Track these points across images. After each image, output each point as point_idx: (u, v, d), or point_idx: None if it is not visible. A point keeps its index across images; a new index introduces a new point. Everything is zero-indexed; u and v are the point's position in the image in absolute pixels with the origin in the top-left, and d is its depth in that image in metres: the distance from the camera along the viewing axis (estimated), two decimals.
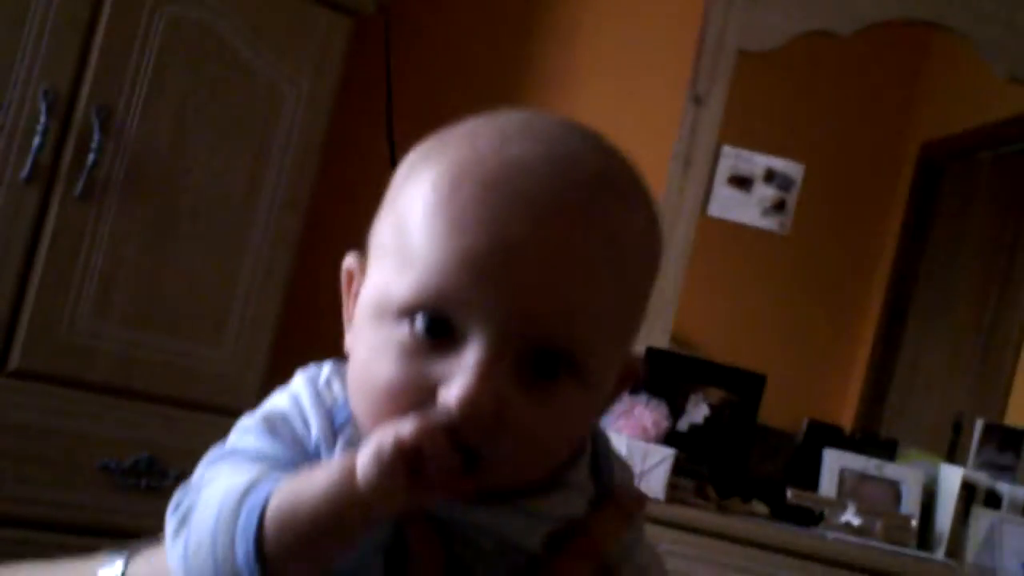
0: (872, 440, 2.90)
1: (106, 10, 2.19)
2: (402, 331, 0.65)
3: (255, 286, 2.37)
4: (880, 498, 2.66)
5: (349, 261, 0.76)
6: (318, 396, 0.71)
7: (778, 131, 3.28)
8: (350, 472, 0.60)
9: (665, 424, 2.50)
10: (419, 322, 0.65)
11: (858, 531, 2.53)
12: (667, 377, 2.73)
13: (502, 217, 0.64)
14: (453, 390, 0.62)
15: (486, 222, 0.64)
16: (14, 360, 2.14)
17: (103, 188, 2.22)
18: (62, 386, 2.19)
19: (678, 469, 2.47)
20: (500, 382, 0.63)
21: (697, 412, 2.73)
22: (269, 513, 0.62)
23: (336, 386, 0.73)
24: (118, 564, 0.81)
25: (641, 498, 0.77)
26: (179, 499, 0.68)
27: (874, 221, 3.40)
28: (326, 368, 0.75)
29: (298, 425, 0.70)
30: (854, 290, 3.36)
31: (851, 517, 2.54)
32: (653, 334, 2.92)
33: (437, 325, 0.64)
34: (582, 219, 0.65)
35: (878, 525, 2.54)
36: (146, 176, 2.27)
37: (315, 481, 0.62)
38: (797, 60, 3.16)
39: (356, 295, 0.74)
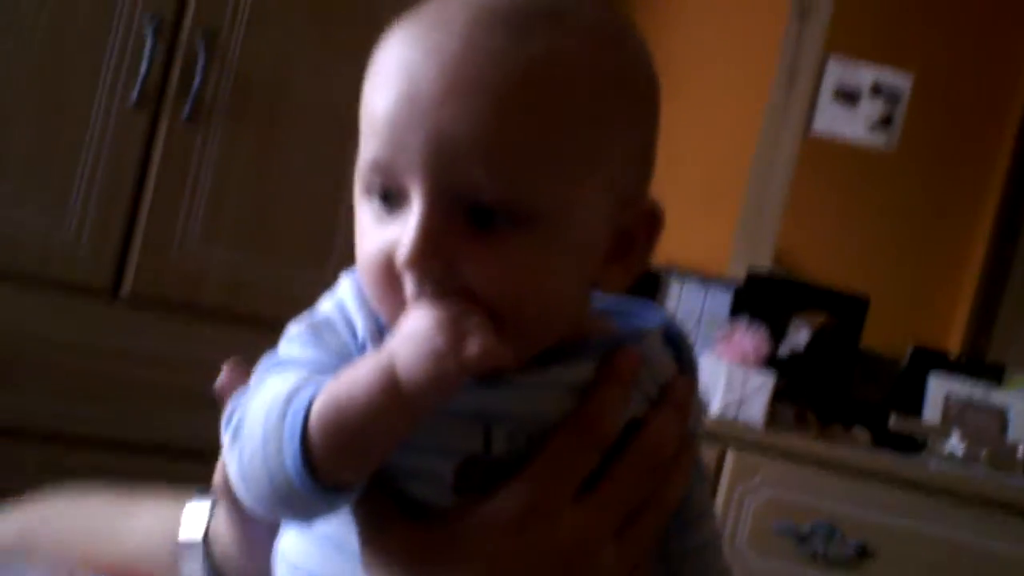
0: (979, 365, 2.85)
1: None
2: (371, 204, 0.68)
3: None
4: (986, 425, 2.62)
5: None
6: (363, 296, 0.72)
7: (886, 40, 3.18)
8: (389, 363, 0.62)
9: (765, 349, 2.47)
10: (375, 195, 0.67)
11: (962, 460, 2.50)
12: (767, 301, 2.71)
13: (412, 71, 0.65)
14: (400, 251, 0.64)
15: (400, 80, 0.65)
16: (127, 285, 2.19)
17: (209, 111, 2.24)
18: (174, 311, 2.24)
19: (778, 395, 2.45)
20: (439, 233, 0.64)
21: (798, 336, 2.70)
22: (313, 415, 0.63)
23: None
24: (206, 505, 0.84)
25: (693, 389, 0.76)
26: (231, 411, 0.70)
27: (985, 138, 3.30)
28: None
29: (343, 329, 0.72)
30: (962, 210, 3.27)
31: (955, 445, 2.51)
32: (755, 255, 2.88)
33: (390, 193, 0.67)
34: (489, 54, 0.64)
35: (983, 453, 2.51)
36: (252, 98, 2.29)
37: (356, 377, 0.63)
38: None
39: None
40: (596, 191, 0.68)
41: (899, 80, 3.03)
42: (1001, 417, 2.63)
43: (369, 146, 0.67)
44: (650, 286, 2.80)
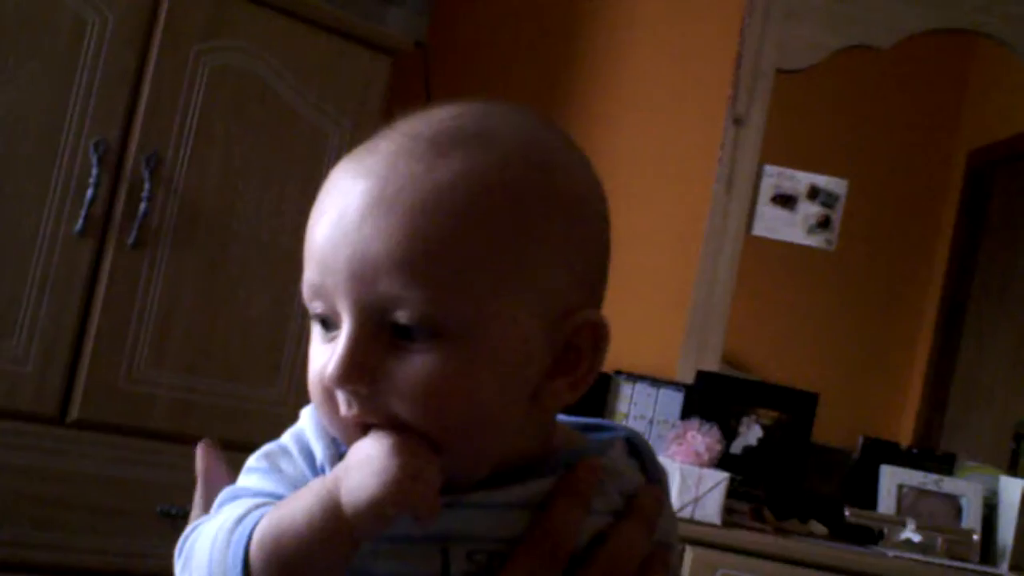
0: (929, 455, 2.87)
1: (152, 60, 2.24)
2: (315, 327, 0.72)
3: (307, 327, 2.39)
4: (940, 513, 2.63)
5: None
6: (321, 424, 0.74)
7: (820, 147, 3.28)
8: (333, 489, 0.64)
9: (719, 448, 2.49)
10: (316, 317, 0.71)
11: (919, 548, 2.50)
12: (719, 400, 2.73)
13: (340, 197, 0.69)
14: (326, 372, 0.67)
15: (330, 206, 0.69)
16: (74, 411, 2.18)
17: (155, 236, 2.26)
18: (122, 435, 2.22)
19: (733, 492, 2.46)
20: (363, 353, 0.67)
21: (751, 434, 2.72)
22: (254, 542, 0.65)
23: None
24: None
25: (660, 498, 0.76)
26: (184, 537, 0.72)
27: (923, 232, 3.38)
28: None
29: (300, 457, 0.73)
30: (907, 303, 3.33)
31: (911, 534, 2.52)
32: (704, 357, 2.92)
33: (327, 316, 0.70)
34: (406, 175, 0.67)
35: (939, 541, 2.52)
36: (197, 222, 2.31)
37: (298, 504, 0.65)
38: (836, 75, 3.16)
39: None
40: (521, 305, 0.68)
41: (834, 184, 3.11)
42: (955, 505, 2.64)
43: (306, 271, 0.70)
44: (601, 389, 2.82)
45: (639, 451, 0.78)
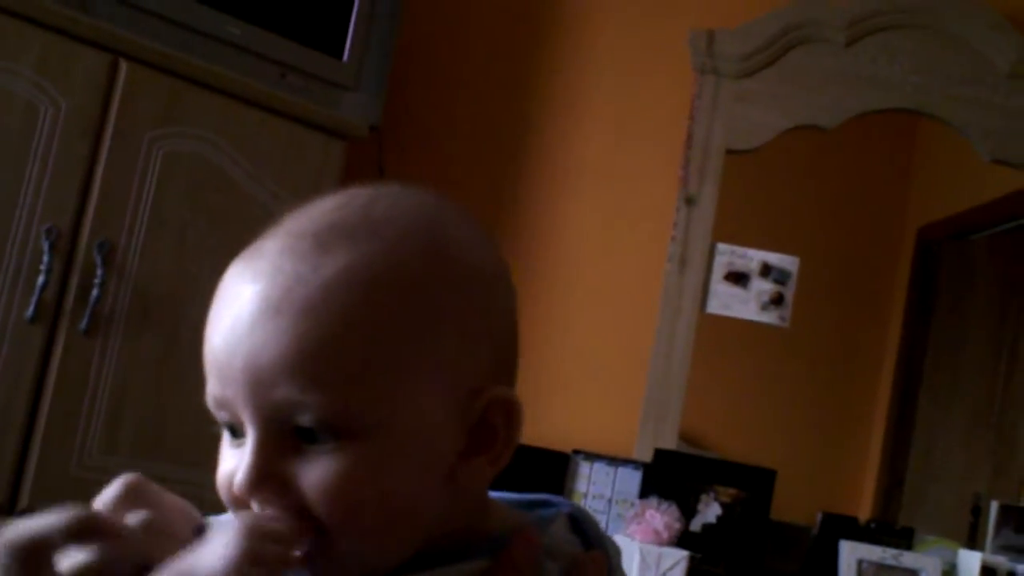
0: (888, 529, 2.87)
1: (105, 147, 2.24)
2: (224, 435, 0.72)
3: None
4: None
5: None
6: None
7: (771, 225, 3.32)
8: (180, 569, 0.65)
9: (678, 526, 2.48)
10: (223, 426, 0.71)
11: None
12: (677, 477, 2.73)
13: (230, 303, 0.68)
14: (235, 482, 0.67)
15: (222, 314, 0.69)
16: (24, 499, 2.15)
17: (107, 323, 2.25)
18: None
19: (694, 571, 2.45)
20: (271, 458, 0.66)
21: (710, 511, 2.72)
22: None
23: None
24: None
25: (602, 565, 0.75)
26: None
27: (875, 307, 3.42)
28: None
29: None
30: (861, 378, 3.36)
31: None
32: (661, 435, 2.92)
33: (232, 425, 0.70)
34: (292, 276, 0.67)
35: None
36: (149, 308, 2.30)
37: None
38: (785, 154, 3.21)
39: None
40: (423, 392, 0.68)
41: (786, 262, 3.15)
42: None
43: (208, 383, 0.70)
44: (559, 469, 2.81)
45: (582, 527, 0.77)
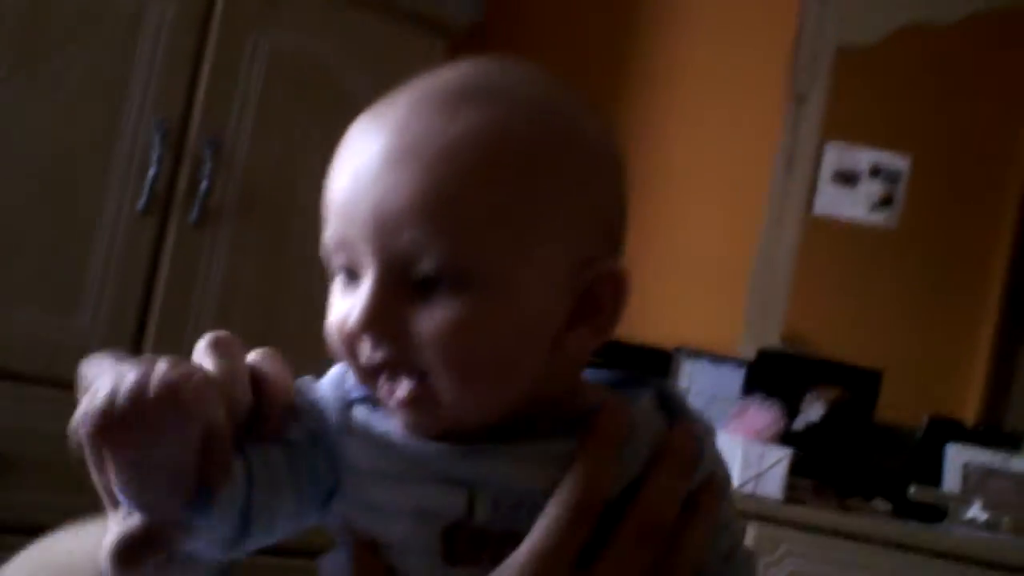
0: (995, 433, 2.83)
1: (212, 42, 2.26)
2: (338, 280, 0.73)
3: None
4: (1006, 492, 2.59)
5: None
6: (340, 375, 0.75)
7: (882, 124, 3.23)
8: None
9: (780, 424, 2.47)
10: (339, 270, 0.72)
11: (985, 526, 2.47)
12: (781, 377, 2.71)
13: (357, 151, 0.70)
14: (349, 319, 0.69)
15: (348, 161, 0.70)
16: None
17: (216, 215, 2.29)
18: None
19: (796, 469, 2.44)
20: (389, 301, 0.68)
21: (813, 411, 2.70)
22: None
23: None
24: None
25: (695, 435, 0.73)
26: None
27: (988, 208, 3.33)
28: None
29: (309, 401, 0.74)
30: (971, 281, 3.28)
31: (977, 512, 2.49)
32: (765, 334, 2.90)
33: (350, 269, 0.71)
34: (422, 127, 0.68)
35: (1005, 519, 2.48)
36: (257, 201, 2.34)
37: None
38: (899, 51, 3.12)
39: None
40: (541, 251, 0.69)
41: (897, 161, 3.07)
42: (1021, 484, 2.60)
43: (328, 227, 0.72)
44: (662, 366, 2.81)
45: (669, 404, 0.76)
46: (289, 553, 2.20)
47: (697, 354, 2.84)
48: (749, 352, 2.83)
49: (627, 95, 3.11)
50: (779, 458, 2.39)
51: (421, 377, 0.68)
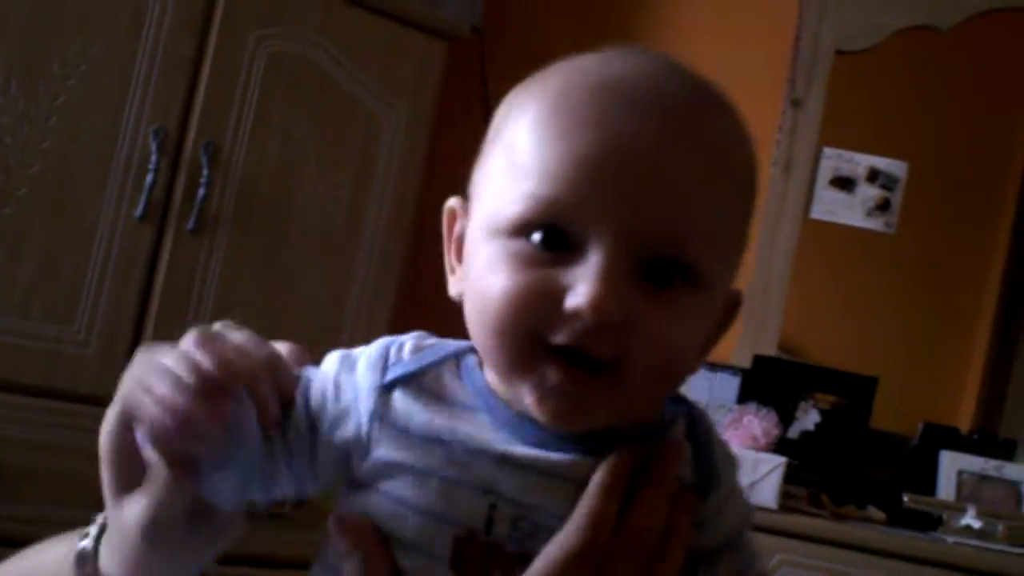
0: (990, 440, 2.84)
1: (211, 48, 2.26)
2: (519, 244, 0.67)
3: (363, 309, 2.42)
4: (1001, 500, 2.60)
5: (451, 202, 0.78)
6: (382, 356, 0.74)
7: (880, 130, 3.23)
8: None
9: (775, 432, 2.48)
10: (536, 235, 0.66)
11: (979, 534, 2.47)
12: (776, 384, 2.71)
13: (611, 119, 0.66)
14: (580, 296, 0.64)
15: (595, 124, 0.66)
16: None
17: (214, 222, 2.28)
18: None
19: (790, 477, 2.44)
20: (624, 285, 0.64)
21: (808, 419, 2.71)
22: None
23: (408, 347, 0.75)
24: (92, 529, 0.86)
25: (676, 451, 0.73)
26: None
27: (984, 214, 3.33)
28: (403, 336, 0.77)
29: (338, 387, 0.74)
30: (967, 287, 3.28)
31: (971, 520, 2.49)
32: (760, 341, 2.90)
33: (553, 236, 0.66)
34: (688, 123, 0.67)
35: (1000, 528, 2.48)
36: (255, 207, 2.34)
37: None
38: (896, 56, 3.12)
39: (459, 238, 0.76)
40: (735, 267, 0.72)
41: (894, 167, 3.08)
42: (1015, 491, 2.61)
43: (544, 185, 0.66)
44: None
45: (695, 432, 0.75)
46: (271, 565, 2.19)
47: None
48: (745, 359, 2.84)
49: None
50: (773, 466, 2.40)
51: (615, 369, 0.66)
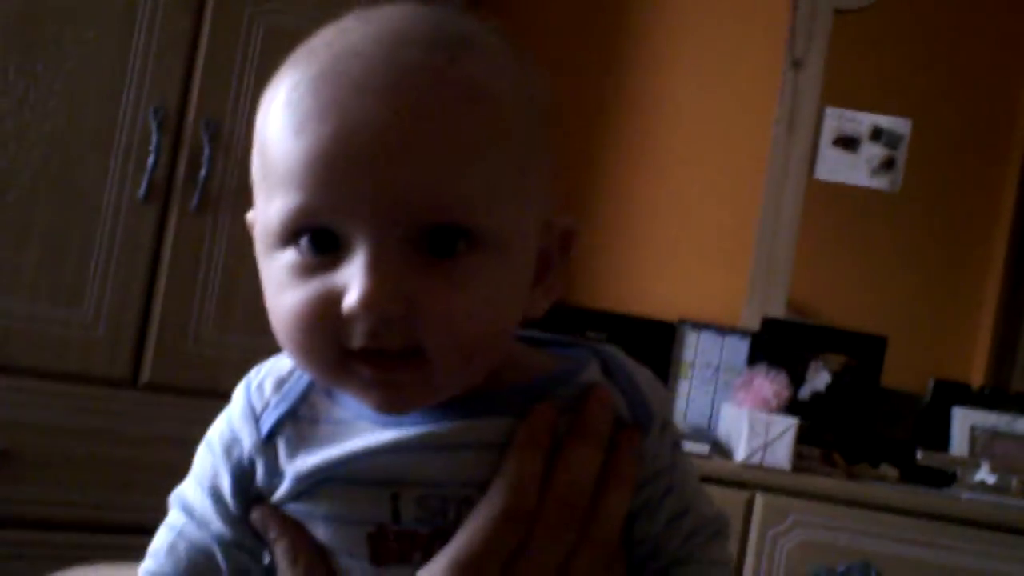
0: (1002, 395, 2.83)
1: (207, 25, 2.25)
2: (291, 254, 0.64)
3: None
4: (1014, 454, 2.60)
5: (250, 215, 0.72)
6: (249, 406, 0.73)
7: (882, 88, 3.21)
8: None
9: (786, 393, 2.47)
10: (303, 242, 0.63)
11: (994, 489, 2.47)
12: (785, 346, 2.71)
13: (340, 105, 0.61)
14: (352, 296, 0.61)
15: (325, 115, 0.62)
16: (145, 374, 2.22)
17: (217, 200, 2.28)
18: (193, 396, 2.24)
19: (803, 438, 2.44)
20: (396, 272, 0.61)
21: (819, 379, 2.70)
22: None
23: (268, 384, 0.74)
24: None
25: (605, 403, 0.72)
26: (172, 499, 0.78)
27: (990, 169, 3.31)
28: (263, 368, 0.76)
29: (222, 457, 0.73)
30: (974, 243, 3.27)
31: (985, 475, 2.49)
32: (769, 303, 2.89)
33: (321, 239, 0.63)
34: (427, 84, 0.62)
35: (1014, 482, 2.48)
36: None
37: None
38: (896, 13, 3.10)
39: None
40: (531, 214, 0.67)
41: (898, 124, 3.06)
42: None
43: (290, 193, 0.63)
44: (667, 338, 2.81)
45: (612, 371, 0.74)
46: None
47: (701, 326, 2.84)
48: (754, 322, 2.83)
49: (624, 68, 3.09)
50: (786, 427, 2.40)
51: (420, 353, 0.63)
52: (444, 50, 0.63)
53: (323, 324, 0.63)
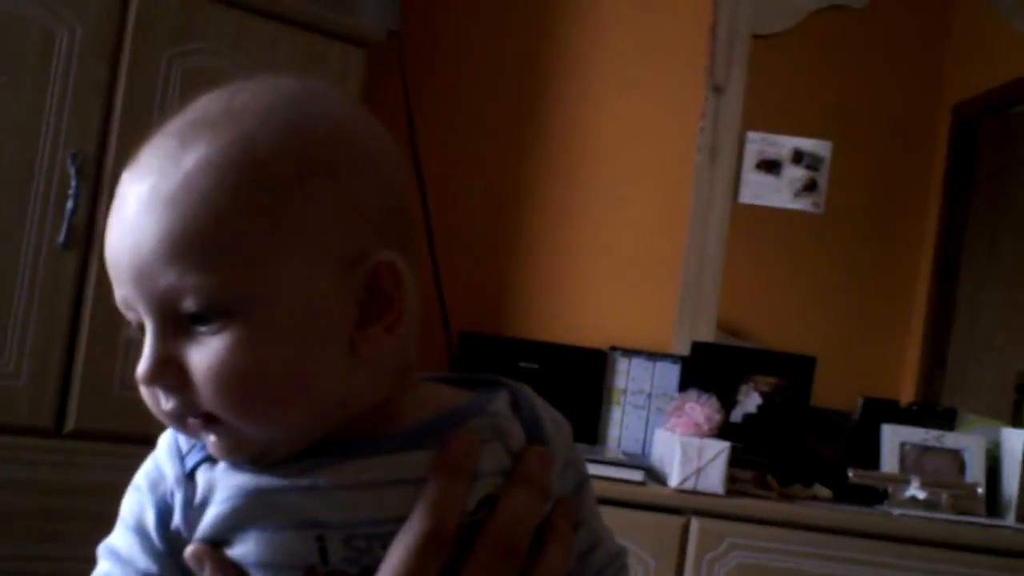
0: (930, 411, 2.87)
1: (123, 69, 2.23)
2: (134, 331, 0.73)
3: None
4: (944, 469, 2.63)
5: None
6: (175, 445, 0.75)
7: (802, 111, 3.26)
8: None
9: (718, 417, 2.48)
10: (132, 323, 0.73)
11: (924, 505, 2.50)
12: (716, 369, 2.73)
13: (115, 208, 0.72)
14: (137, 372, 0.70)
15: (111, 219, 0.72)
16: (70, 422, 2.18)
17: None
18: (120, 442, 2.21)
19: (736, 461, 2.45)
20: (167, 350, 0.69)
21: (749, 401, 2.72)
22: None
23: None
24: None
25: (545, 458, 0.76)
26: (101, 550, 0.77)
27: (912, 188, 3.37)
28: None
29: (148, 493, 0.75)
30: (900, 260, 3.32)
31: (916, 491, 2.52)
32: (698, 328, 2.91)
33: (140, 324, 0.72)
34: (159, 170, 0.69)
35: (944, 497, 2.51)
36: None
37: None
38: (814, 36, 3.15)
39: None
40: (293, 262, 0.68)
41: (819, 147, 3.10)
42: (958, 460, 2.64)
43: (113, 286, 0.72)
44: (597, 366, 2.81)
45: (519, 406, 0.77)
46: None
47: (632, 352, 2.85)
48: (684, 347, 2.85)
49: (546, 96, 3.11)
50: (718, 451, 2.41)
51: (210, 418, 0.69)
52: (180, 137, 0.71)
53: (148, 392, 0.72)
